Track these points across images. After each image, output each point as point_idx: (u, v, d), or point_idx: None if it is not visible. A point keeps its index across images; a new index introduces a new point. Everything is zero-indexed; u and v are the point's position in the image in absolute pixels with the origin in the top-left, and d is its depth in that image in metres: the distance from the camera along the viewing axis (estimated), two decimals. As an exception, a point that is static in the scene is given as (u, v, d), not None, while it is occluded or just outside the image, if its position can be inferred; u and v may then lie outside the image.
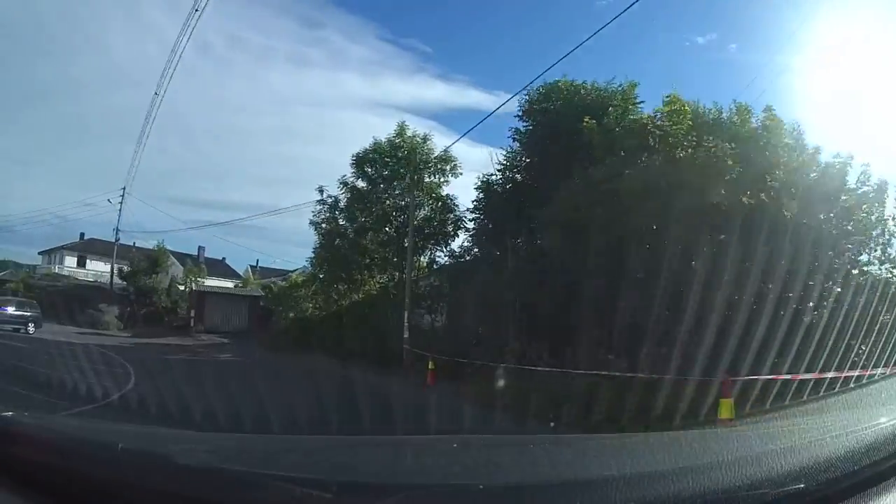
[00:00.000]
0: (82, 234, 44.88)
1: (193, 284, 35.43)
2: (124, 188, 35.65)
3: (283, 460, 1.60)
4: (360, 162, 20.38)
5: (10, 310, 23.32)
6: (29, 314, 23.92)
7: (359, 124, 59.15)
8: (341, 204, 21.04)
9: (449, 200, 19.72)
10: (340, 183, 20.73)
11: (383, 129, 30.46)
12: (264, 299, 32.50)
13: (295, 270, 34.21)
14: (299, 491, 1.04)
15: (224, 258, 47.51)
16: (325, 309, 22.64)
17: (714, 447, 1.67)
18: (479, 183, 16.06)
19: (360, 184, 20.66)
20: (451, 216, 19.59)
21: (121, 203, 35.91)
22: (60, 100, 62.50)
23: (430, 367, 13.09)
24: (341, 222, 21.18)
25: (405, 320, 16.38)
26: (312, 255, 22.65)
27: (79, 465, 1.11)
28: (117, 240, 36.99)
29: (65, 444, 1.25)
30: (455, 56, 55.82)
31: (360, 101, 71.59)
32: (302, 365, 16.57)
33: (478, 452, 1.95)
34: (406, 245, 18.49)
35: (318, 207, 21.46)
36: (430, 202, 19.97)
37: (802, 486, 1.05)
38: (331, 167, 74.75)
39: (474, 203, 16.61)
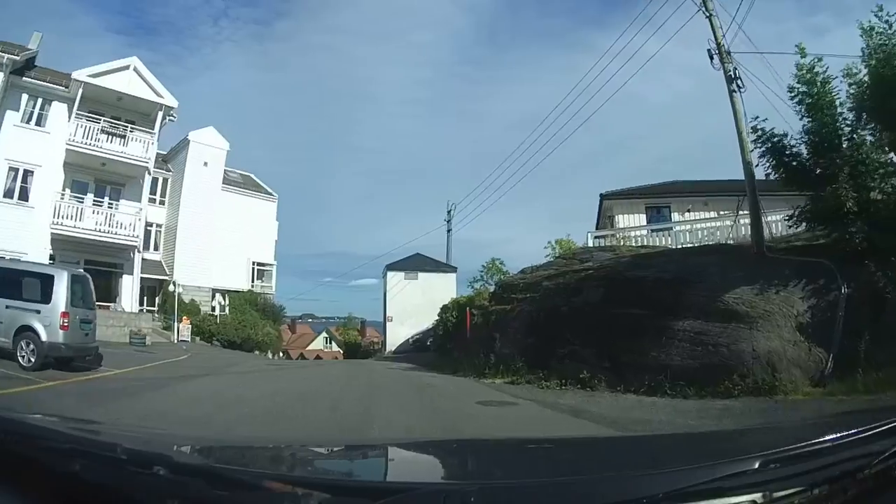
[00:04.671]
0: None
1: None
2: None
3: (283, 460, 1.63)
4: None
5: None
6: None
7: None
8: None
9: None
10: None
11: None
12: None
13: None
14: (299, 491, 0.99)
15: None
16: None
17: (715, 447, 1.65)
18: None
19: None
20: None
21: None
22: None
23: None
24: None
25: None
26: None
27: (79, 466, 1.04)
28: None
29: (65, 445, 1.16)
30: None
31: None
32: None
33: (478, 452, 1.94)
34: None
35: None
36: None
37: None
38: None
39: None
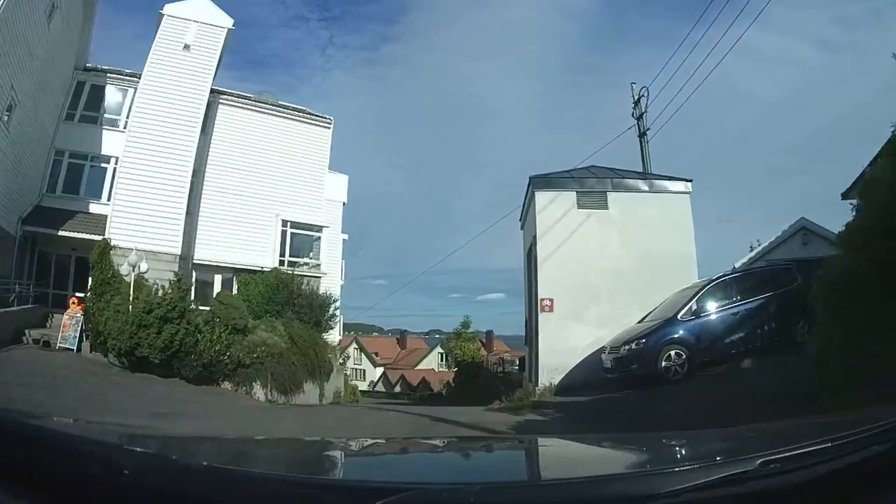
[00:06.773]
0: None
1: None
2: None
3: (283, 461, 1.66)
4: None
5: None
6: None
7: None
8: None
9: None
10: None
11: None
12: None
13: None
14: (300, 491, 1.02)
15: None
16: None
17: (715, 447, 1.67)
18: None
19: None
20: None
21: None
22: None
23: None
24: None
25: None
26: None
27: (79, 466, 1.05)
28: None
29: (65, 444, 1.18)
30: None
31: None
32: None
33: (478, 452, 1.98)
34: None
35: None
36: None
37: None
38: None
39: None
